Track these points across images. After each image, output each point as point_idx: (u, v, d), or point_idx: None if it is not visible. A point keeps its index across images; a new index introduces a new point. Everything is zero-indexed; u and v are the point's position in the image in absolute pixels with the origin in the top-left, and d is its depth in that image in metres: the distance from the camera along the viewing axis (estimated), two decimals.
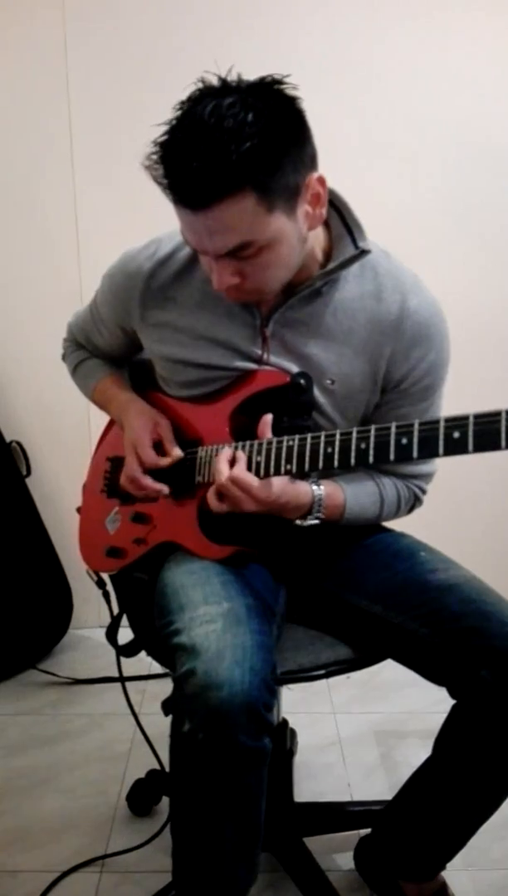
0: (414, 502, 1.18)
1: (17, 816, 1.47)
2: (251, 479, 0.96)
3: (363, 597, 1.09)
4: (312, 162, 0.92)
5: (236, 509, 0.98)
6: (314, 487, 1.04)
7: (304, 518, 1.04)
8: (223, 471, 0.97)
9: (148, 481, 1.09)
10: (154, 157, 0.88)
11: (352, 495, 1.09)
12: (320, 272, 1.02)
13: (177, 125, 0.87)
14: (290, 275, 0.99)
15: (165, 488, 1.09)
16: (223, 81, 0.87)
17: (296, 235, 0.94)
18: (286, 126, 0.87)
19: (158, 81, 1.82)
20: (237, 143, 0.82)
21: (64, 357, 1.36)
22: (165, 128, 0.87)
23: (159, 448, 1.11)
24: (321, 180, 0.93)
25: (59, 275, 1.98)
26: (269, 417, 1.00)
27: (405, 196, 1.91)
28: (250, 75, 0.88)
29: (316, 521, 1.04)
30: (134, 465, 1.10)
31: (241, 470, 0.97)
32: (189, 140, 0.84)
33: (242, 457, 0.99)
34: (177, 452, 1.09)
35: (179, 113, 0.87)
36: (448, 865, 1.18)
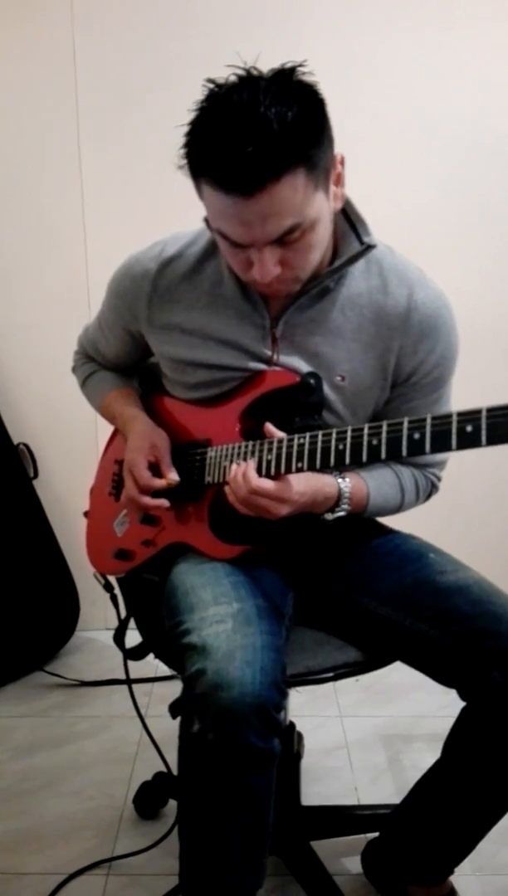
0: (431, 489, 1.18)
1: (24, 818, 1.46)
2: (268, 485, 0.95)
3: (371, 598, 1.09)
4: (332, 143, 0.93)
5: (266, 516, 0.98)
6: (340, 480, 1.04)
7: (332, 510, 1.04)
8: (242, 484, 0.95)
9: (147, 500, 1.09)
10: (193, 154, 0.88)
11: (375, 486, 1.09)
12: (327, 269, 1.02)
13: (213, 118, 0.86)
14: (320, 259, 0.99)
15: (164, 503, 1.09)
16: (248, 72, 0.87)
17: (329, 215, 0.95)
18: (317, 104, 0.88)
19: (166, 86, 1.83)
20: (282, 123, 0.83)
21: (74, 369, 1.37)
22: (185, 129, 0.87)
23: (157, 469, 1.10)
24: (342, 160, 0.95)
25: (66, 279, 1.98)
26: (272, 427, 0.98)
27: (411, 193, 1.91)
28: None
29: (342, 514, 1.05)
30: (132, 487, 1.11)
31: (257, 480, 0.95)
32: (233, 127, 0.83)
33: (252, 465, 0.97)
34: (172, 476, 1.09)
35: (203, 109, 0.87)
36: (457, 870, 1.17)
